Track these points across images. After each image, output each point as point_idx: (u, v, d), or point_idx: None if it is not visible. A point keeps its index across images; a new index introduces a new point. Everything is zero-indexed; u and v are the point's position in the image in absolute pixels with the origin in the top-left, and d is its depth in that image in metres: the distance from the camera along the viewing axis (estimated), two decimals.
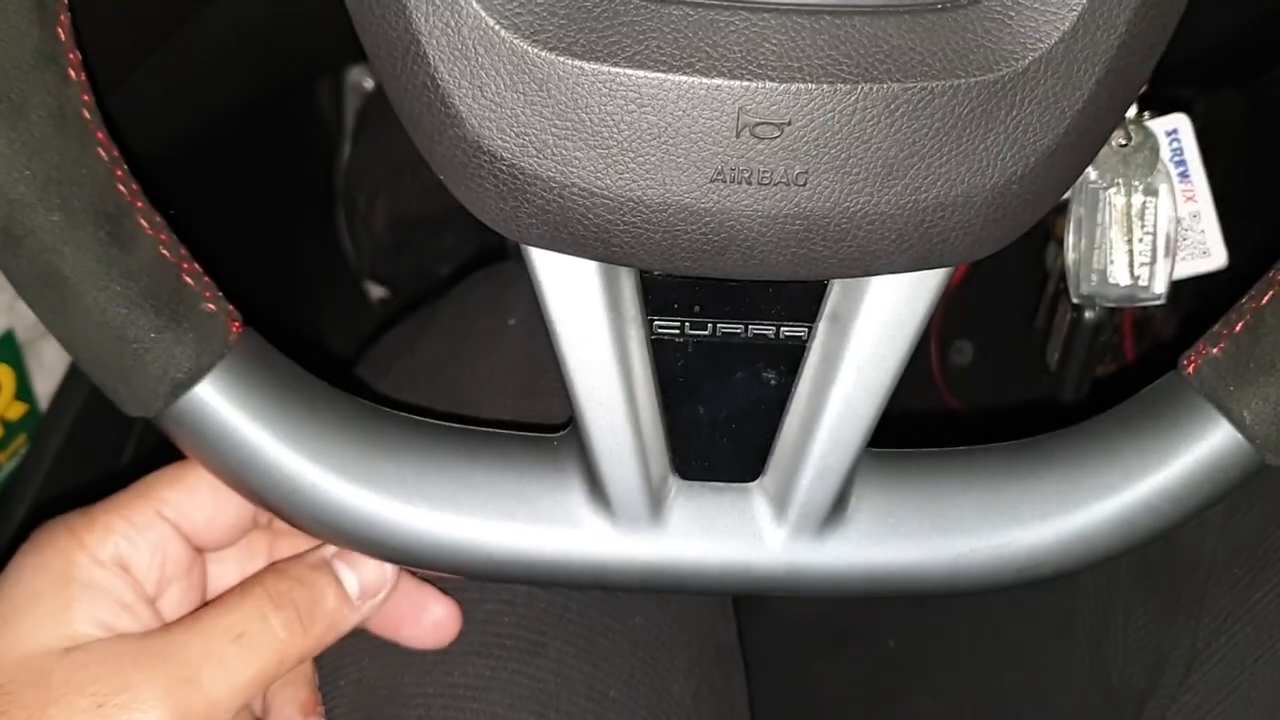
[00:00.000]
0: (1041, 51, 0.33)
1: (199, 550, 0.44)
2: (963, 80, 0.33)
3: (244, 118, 0.94)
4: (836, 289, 0.39)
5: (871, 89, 0.32)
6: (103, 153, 0.35)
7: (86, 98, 0.35)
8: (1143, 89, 0.52)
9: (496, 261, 1.09)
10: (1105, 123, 0.35)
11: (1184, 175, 0.57)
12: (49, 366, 0.71)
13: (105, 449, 0.73)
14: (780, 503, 0.41)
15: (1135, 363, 0.82)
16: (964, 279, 1.03)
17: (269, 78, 0.92)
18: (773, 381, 0.40)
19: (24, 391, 0.69)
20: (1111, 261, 0.54)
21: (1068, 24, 0.32)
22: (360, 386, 0.58)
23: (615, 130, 0.33)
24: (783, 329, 0.40)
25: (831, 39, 0.32)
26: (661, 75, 0.32)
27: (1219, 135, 0.97)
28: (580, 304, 0.38)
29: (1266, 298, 0.39)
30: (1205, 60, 0.76)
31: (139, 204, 0.36)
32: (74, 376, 0.72)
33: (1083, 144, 0.35)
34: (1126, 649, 0.57)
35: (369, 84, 1.21)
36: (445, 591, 0.48)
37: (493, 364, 0.58)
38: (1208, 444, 0.39)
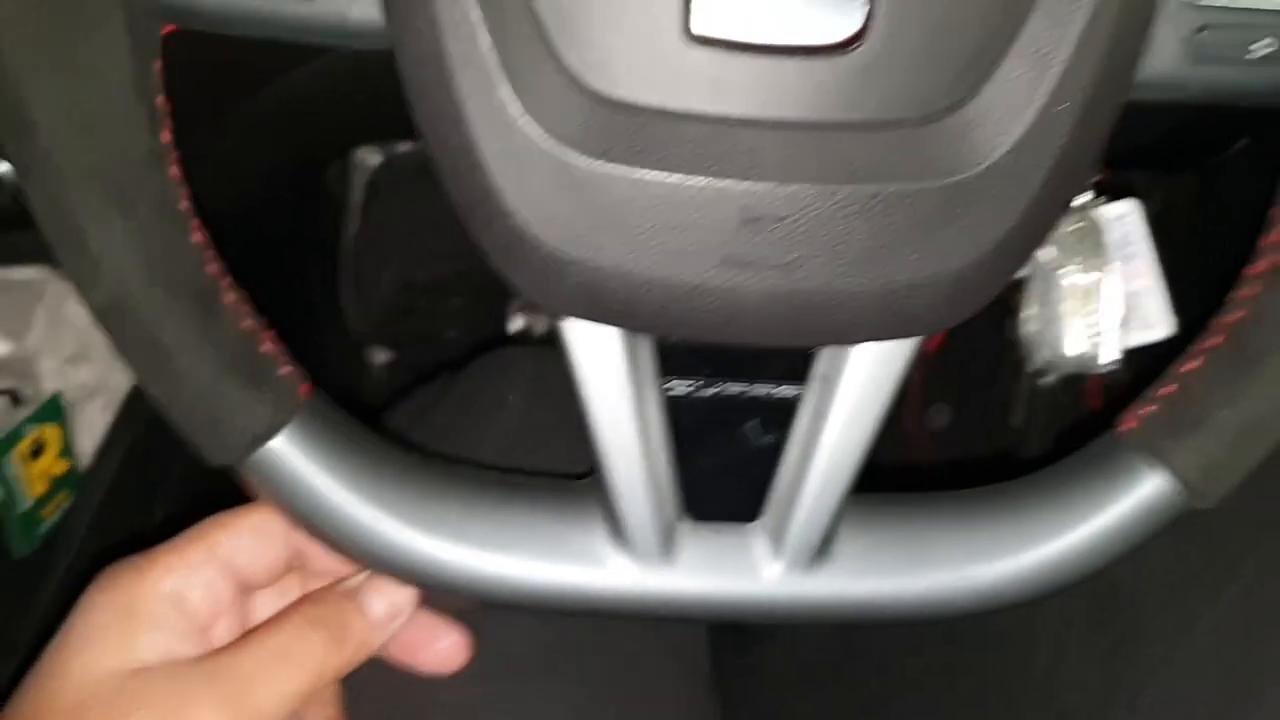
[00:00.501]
0: (993, 160, 0.37)
1: (244, 587, 0.48)
2: (928, 184, 0.37)
3: (261, 192, 0.99)
4: (825, 354, 0.43)
5: (853, 190, 0.37)
6: (196, 237, 0.40)
7: (183, 191, 0.40)
8: (1093, 180, 0.59)
9: (498, 321, 1.15)
10: (1050, 216, 0.40)
11: (1133, 255, 0.63)
12: (91, 427, 0.75)
13: (141, 502, 0.77)
14: (776, 540, 0.46)
15: (1100, 413, 0.86)
16: (941, 346, 1.09)
17: (290, 159, 0.97)
18: (770, 434, 0.45)
19: (68, 450, 0.73)
20: (1066, 334, 0.60)
21: (1015, 138, 0.37)
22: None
23: (640, 221, 0.37)
24: (779, 388, 0.44)
25: (819, 148, 0.37)
26: (680, 177, 0.37)
27: (1177, 214, 1.03)
28: (605, 366, 0.42)
29: (1192, 365, 0.44)
30: (1157, 147, 0.82)
31: (224, 281, 0.41)
32: (113, 436, 0.76)
33: (1031, 236, 0.40)
34: (1077, 681, 0.61)
35: (376, 158, 1.26)
36: (461, 617, 0.53)
37: (497, 434, 0.64)
38: (1143, 490, 0.44)
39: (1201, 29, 0.39)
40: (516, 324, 1.17)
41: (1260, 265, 0.44)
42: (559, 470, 0.48)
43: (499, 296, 1.23)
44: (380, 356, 1.29)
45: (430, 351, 1.25)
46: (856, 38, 0.36)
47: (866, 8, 0.36)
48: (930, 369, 1.11)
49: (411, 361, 1.27)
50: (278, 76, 0.68)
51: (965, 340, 0.99)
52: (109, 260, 0.38)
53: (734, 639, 0.78)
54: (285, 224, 1.13)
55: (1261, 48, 0.40)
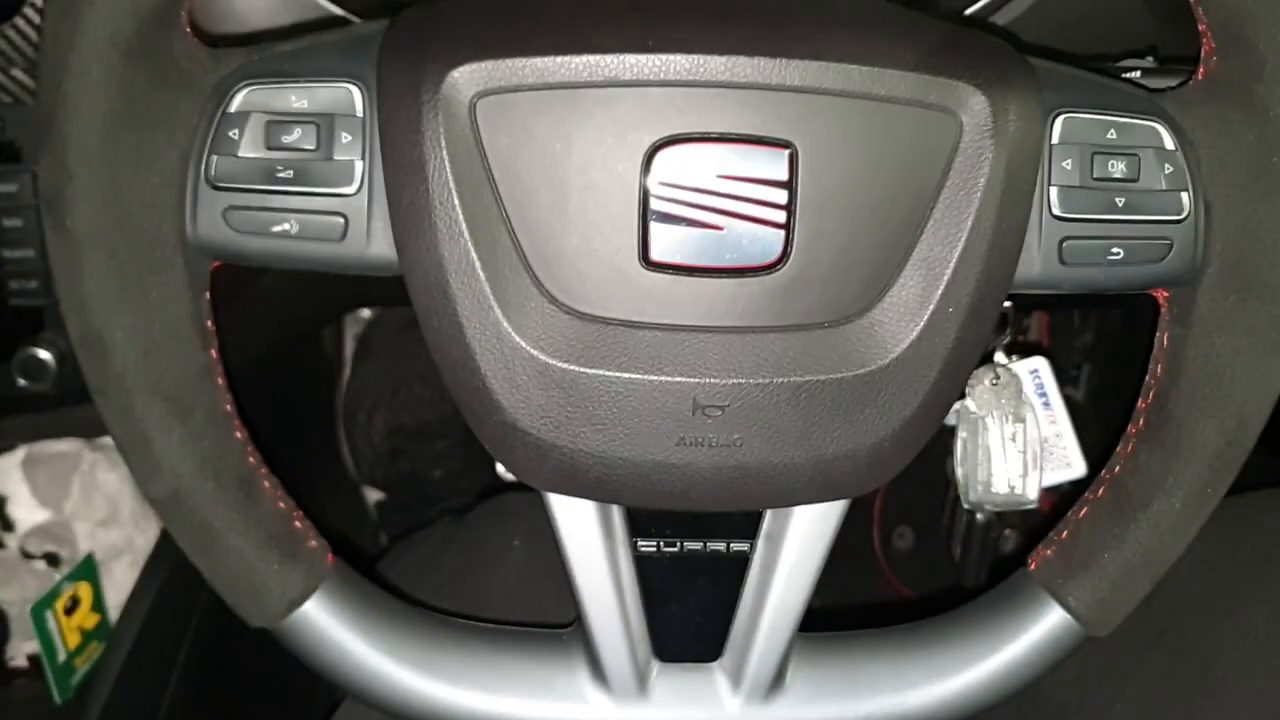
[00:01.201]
0: (897, 354, 0.44)
1: None
2: (844, 375, 0.44)
3: (265, 355, 1.06)
4: (769, 515, 0.50)
5: (783, 382, 0.44)
6: (239, 434, 0.47)
7: (229, 396, 0.47)
8: (1005, 342, 0.66)
9: (480, 462, 1.20)
10: (950, 393, 0.47)
11: (1046, 404, 0.71)
12: (118, 583, 0.81)
13: (164, 650, 0.82)
14: (735, 677, 0.52)
15: (1021, 547, 0.93)
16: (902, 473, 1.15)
17: (290, 326, 1.04)
18: (726, 585, 0.51)
19: (99, 604, 0.80)
20: (991, 474, 0.67)
21: (913, 335, 0.44)
22: (399, 594, 0.70)
23: (609, 412, 0.44)
24: (732, 545, 0.51)
25: (754, 349, 0.44)
26: (640, 375, 0.44)
27: (1108, 346, 1.11)
28: (584, 532, 0.49)
29: (1082, 513, 0.51)
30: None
31: (262, 470, 0.48)
32: (138, 591, 0.82)
33: (935, 410, 0.46)
34: None
35: (366, 313, 1.33)
36: None
37: (503, 580, 0.70)
38: (1046, 623, 0.51)
39: (1065, 239, 0.47)
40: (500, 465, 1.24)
41: (1134, 426, 0.51)
42: (560, 611, 0.53)
43: (478, 443, 1.28)
44: (373, 496, 1.35)
45: (418, 489, 1.32)
46: (779, 261, 0.44)
47: (785, 237, 0.43)
48: (889, 495, 1.18)
49: (401, 500, 1.33)
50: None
51: (920, 469, 1.05)
52: (168, 461, 0.45)
53: None
54: (286, 381, 1.19)
55: (1115, 253, 0.47)
